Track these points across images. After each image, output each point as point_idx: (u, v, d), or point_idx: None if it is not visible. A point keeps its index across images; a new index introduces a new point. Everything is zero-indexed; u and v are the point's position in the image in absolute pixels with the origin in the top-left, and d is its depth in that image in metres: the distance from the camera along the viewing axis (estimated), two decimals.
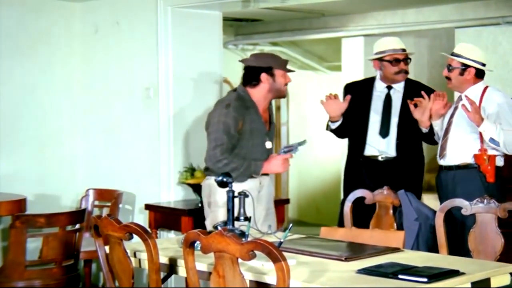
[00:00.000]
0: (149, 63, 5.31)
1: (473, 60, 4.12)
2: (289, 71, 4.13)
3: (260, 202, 4.09)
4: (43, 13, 5.64)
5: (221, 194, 3.91)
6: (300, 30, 7.79)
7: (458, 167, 4.15)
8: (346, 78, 7.23)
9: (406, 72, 4.50)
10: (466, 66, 4.13)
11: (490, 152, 4.06)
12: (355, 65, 7.44)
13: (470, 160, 4.12)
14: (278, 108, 8.38)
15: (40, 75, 5.65)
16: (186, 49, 5.28)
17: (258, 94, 4.08)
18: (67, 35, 5.76)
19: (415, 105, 4.33)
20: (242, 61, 4.24)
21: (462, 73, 4.15)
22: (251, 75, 4.08)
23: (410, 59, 4.52)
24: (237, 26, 8.16)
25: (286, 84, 4.13)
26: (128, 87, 5.50)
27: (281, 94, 4.16)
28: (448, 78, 4.20)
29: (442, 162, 4.22)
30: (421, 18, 6.83)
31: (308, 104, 8.89)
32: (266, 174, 4.14)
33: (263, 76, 4.04)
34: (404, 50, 4.47)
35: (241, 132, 4.00)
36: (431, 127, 4.34)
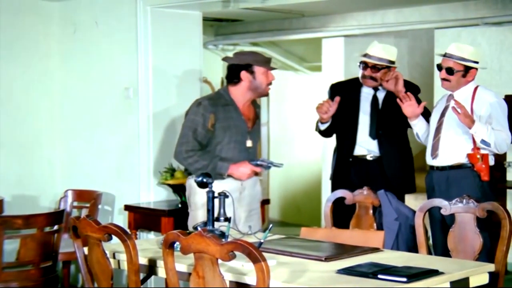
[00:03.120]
0: (128, 63, 5.28)
1: (473, 61, 4.13)
2: (271, 68, 4.07)
3: (241, 204, 4.06)
4: (21, 13, 5.59)
5: (200, 195, 3.89)
6: (280, 31, 7.79)
7: (451, 167, 4.15)
8: (326, 78, 7.24)
9: (372, 79, 4.48)
10: (469, 68, 4.13)
11: (483, 151, 4.08)
12: (335, 65, 7.45)
13: (463, 160, 4.12)
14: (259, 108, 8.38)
15: (18, 75, 5.60)
16: (165, 49, 5.26)
17: (238, 92, 4.05)
18: (46, 35, 5.71)
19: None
20: (224, 59, 4.19)
21: (464, 75, 4.14)
22: (232, 73, 4.05)
23: (387, 67, 4.44)
24: (217, 26, 8.15)
25: (269, 84, 4.07)
26: (108, 87, 5.47)
27: (262, 92, 4.10)
28: (446, 80, 4.16)
29: (435, 162, 4.21)
30: (401, 19, 6.86)
31: (288, 104, 8.89)
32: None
33: (243, 74, 4.01)
34: (381, 59, 4.44)
35: (214, 129, 3.99)
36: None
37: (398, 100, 4.28)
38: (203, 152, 3.99)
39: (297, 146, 8.80)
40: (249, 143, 4.09)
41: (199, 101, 4.07)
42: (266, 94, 4.17)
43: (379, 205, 3.94)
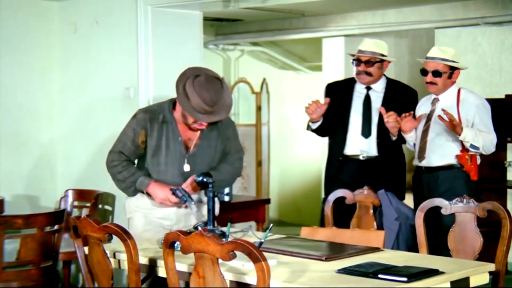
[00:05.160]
0: (129, 62, 5.28)
1: (457, 62, 4.19)
2: (196, 118, 3.53)
3: (180, 221, 3.72)
4: (21, 12, 5.59)
5: (137, 219, 3.75)
6: (280, 30, 7.80)
7: (440, 168, 4.19)
8: (327, 78, 7.24)
9: (368, 74, 4.48)
10: (453, 69, 4.18)
11: (472, 152, 4.14)
12: (335, 65, 7.46)
13: (453, 160, 4.18)
14: (259, 108, 8.38)
15: (18, 74, 5.60)
16: (166, 48, 5.26)
17: (178, 113, 3.67)
18: (46, 34, 5.71)
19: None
20: (181, 78, 3.63)
21: (450, 76, 4.20)
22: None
23: (380, 61, 4.46)
24: (218, 26, 8.16)
25: (196, 124, 3.57)
26: (108, 86, 5.47)
27: (190, 127, 3.64)
28: (433, 83, 4.20)
29: (423, 163, 4.24)
30: (401, 19, 6.86)
31: (289, 104, 8.89)
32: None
33: (178, 103, 3.61)
34: (374, 53, 4.44)
35: (145, 146, 3.68)
36: (399, 135, 4.37)
37: (398, 117, 4.27)
38: (129, 163, 3.71)
39: (297, 145, 8.80)
40: (186, 168, 3.67)
41: (136, 113, 3.75)
42: (192, 130, 3.67)
43: (380, 205, 3.95)
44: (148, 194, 3.68)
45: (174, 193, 3.57)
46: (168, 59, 5.28)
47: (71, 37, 5.67)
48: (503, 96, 6.03)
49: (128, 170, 3.69)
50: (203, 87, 3.51)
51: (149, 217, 3.73)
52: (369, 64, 4.46)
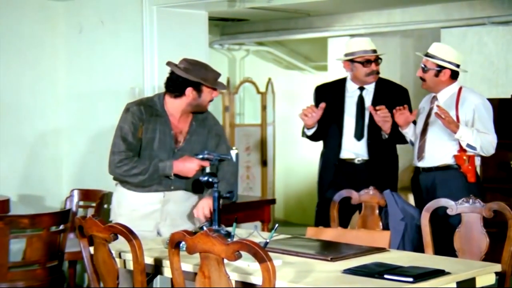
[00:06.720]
0: (134, 62, 5.28)
1: (448, 62, 4.12)
2: (219, 88, 3.71)
3: (165, 219, 3.75)
4: (27, 12, 5.60)
5: (128, 203, 3.75)
6: (285, 30, 7.79)
7: (437, 168, 4.15)
8: (332, 78, 7.22)
9: (377, 73, 4.45)
10: (441, 68, 4.12)
11: (469, 152, 4.08)
12: (341, 65, 7.43)
13: (450, 161, 4.13)
14: (265, 108, 8.38)
15: (24, 75, 5.61)
16: (171, 48, 5.26)
17: (175, 104, 3.71)
18: (51, 34, 5.72)
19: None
20: (168, 64, 3.75)
21: (437, 75, 4.14)
22: (176, 85, 3.67)
23: (381, 59, 4.47)
24: (223, 25, 8.16)
25: (211, 100, 3.73)
26: (113, 86, 5.47)
27: (202, 109, 3.74)
28: (423, 79, 4.18)
29: (421, 164, 4.21)
30: (407, 18, 6.85)
31: (294, 104, 8.88)
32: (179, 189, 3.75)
33: (189, 90, 3.64)
34: (375, 51, 4.42)
35: (141, 140, 3.68)
36: (392, 133, 4.32)
37: (394, 110, 4.24)
38: (137, 158, 3.66)
39: (302, 145, 8.78)
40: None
41: (128, 106, 3.75)
42: (204, 112, 3.79)
43: (385, 205, 3.94)
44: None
45: (204, 159, 3.62)
46: (173, 59, 5.25)
47: (76, 37, 5.68)
48: (509, 96, 6.01)
49: (142, 163, 3.63)
50: (198, 63, 3.71)
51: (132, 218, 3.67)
52: (377, 62, 4.44)
